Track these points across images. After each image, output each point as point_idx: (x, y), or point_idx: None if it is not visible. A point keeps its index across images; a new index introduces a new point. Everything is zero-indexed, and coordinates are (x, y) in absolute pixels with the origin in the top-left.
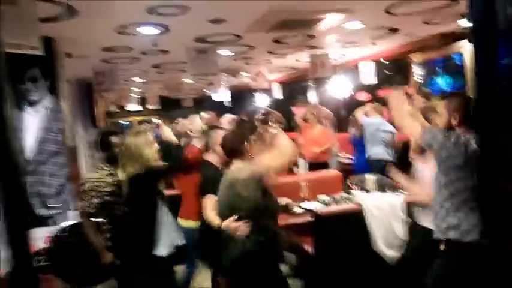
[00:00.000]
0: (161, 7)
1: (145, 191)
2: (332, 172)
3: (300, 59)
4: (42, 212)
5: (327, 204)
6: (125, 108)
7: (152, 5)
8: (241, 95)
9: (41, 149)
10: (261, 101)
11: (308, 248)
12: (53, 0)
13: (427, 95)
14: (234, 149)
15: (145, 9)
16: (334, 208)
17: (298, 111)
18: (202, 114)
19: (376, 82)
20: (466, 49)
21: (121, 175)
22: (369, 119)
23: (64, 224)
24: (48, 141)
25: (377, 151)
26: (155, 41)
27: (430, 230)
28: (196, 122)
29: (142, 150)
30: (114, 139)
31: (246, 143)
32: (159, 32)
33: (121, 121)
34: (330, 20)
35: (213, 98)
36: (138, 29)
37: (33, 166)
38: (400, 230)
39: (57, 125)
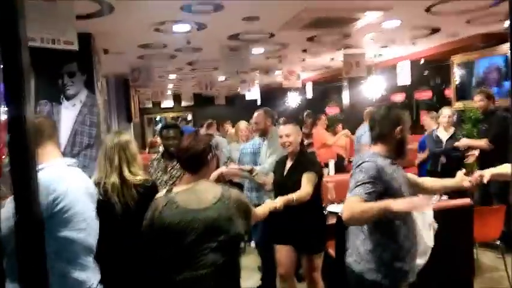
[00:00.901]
0: (196, 5)
1: None
2: None
3: (335, 58)
4: None
5: None
6: (160, 105)
7: (187, 3)
8: (273, 94)
9: (75, 141)
10: (293, 100)
11: (331, 250)
12: None
13: (490, 95)
14: (202, 162)
15: (180, 6)
16: None
17: (331, 111)
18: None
19: (410, 83)
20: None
21: None
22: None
23: None
24: (82, 133)
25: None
26: (189, 38)
27: None
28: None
29: None
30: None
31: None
32: (193, 29)
33: (157, 117)
34: (367, 18)
35: (246, 96)
36: (172, 26)
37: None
38: (429, 237)
39: (91, 119)
